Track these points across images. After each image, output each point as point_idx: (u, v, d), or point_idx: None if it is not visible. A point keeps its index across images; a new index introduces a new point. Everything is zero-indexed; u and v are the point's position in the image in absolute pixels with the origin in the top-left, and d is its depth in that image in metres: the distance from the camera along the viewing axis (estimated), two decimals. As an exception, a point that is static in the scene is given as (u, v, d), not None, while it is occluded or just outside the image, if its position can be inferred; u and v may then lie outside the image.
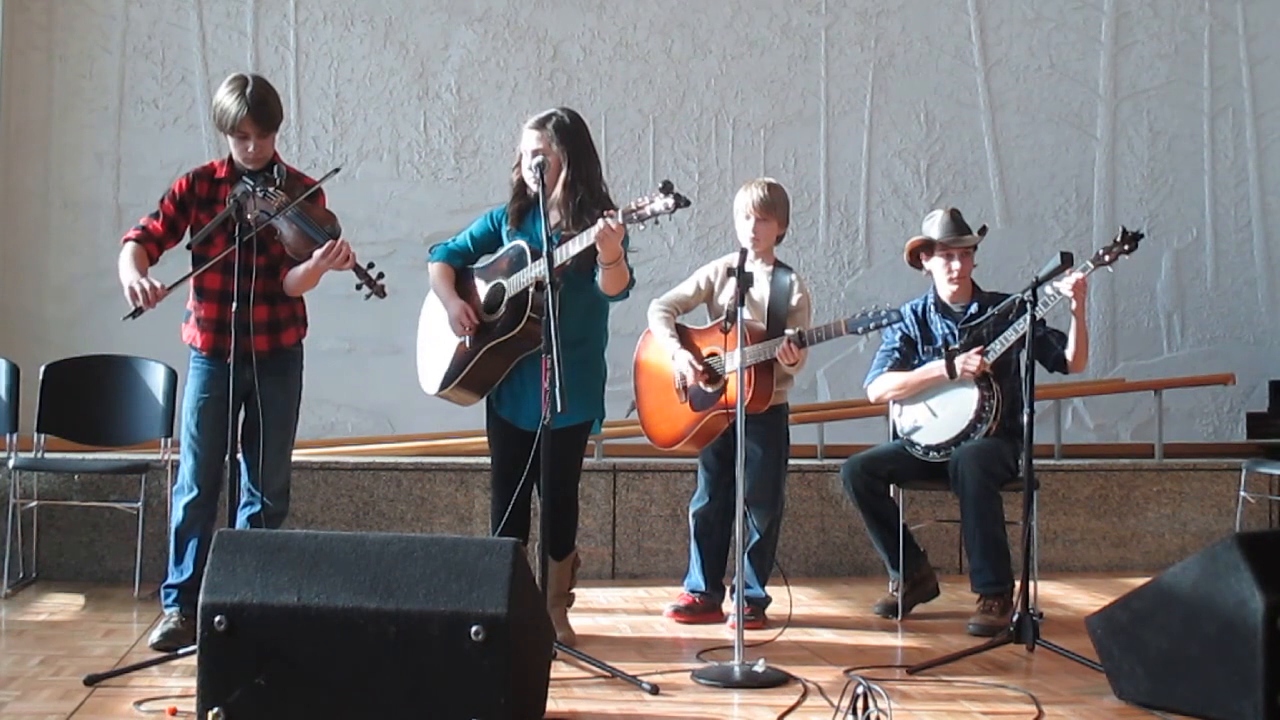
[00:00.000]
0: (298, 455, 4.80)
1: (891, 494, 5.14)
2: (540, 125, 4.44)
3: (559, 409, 3.93)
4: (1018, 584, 4.47)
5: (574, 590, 4.69)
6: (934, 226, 5.14)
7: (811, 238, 7.21)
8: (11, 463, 5.41)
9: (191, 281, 4.39)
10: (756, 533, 4.88)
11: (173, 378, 5.46)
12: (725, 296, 4.88)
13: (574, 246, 4.23)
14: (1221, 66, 7.52)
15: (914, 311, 5.18)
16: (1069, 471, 6.42)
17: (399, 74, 6.98)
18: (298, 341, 4.53)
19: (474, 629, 3.14)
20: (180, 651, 3.94)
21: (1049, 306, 4.70)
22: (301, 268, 4.29)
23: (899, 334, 5.19)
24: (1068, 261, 4.37)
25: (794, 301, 4.88)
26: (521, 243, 4.45)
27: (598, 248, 4.19)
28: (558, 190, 4.41)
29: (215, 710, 3.20)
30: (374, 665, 3.18)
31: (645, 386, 5.05)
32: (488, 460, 4.70)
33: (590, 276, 4.34)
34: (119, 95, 6.81)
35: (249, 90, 4.25)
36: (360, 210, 6.70)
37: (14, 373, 5.65)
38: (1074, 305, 4.75)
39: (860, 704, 3.21)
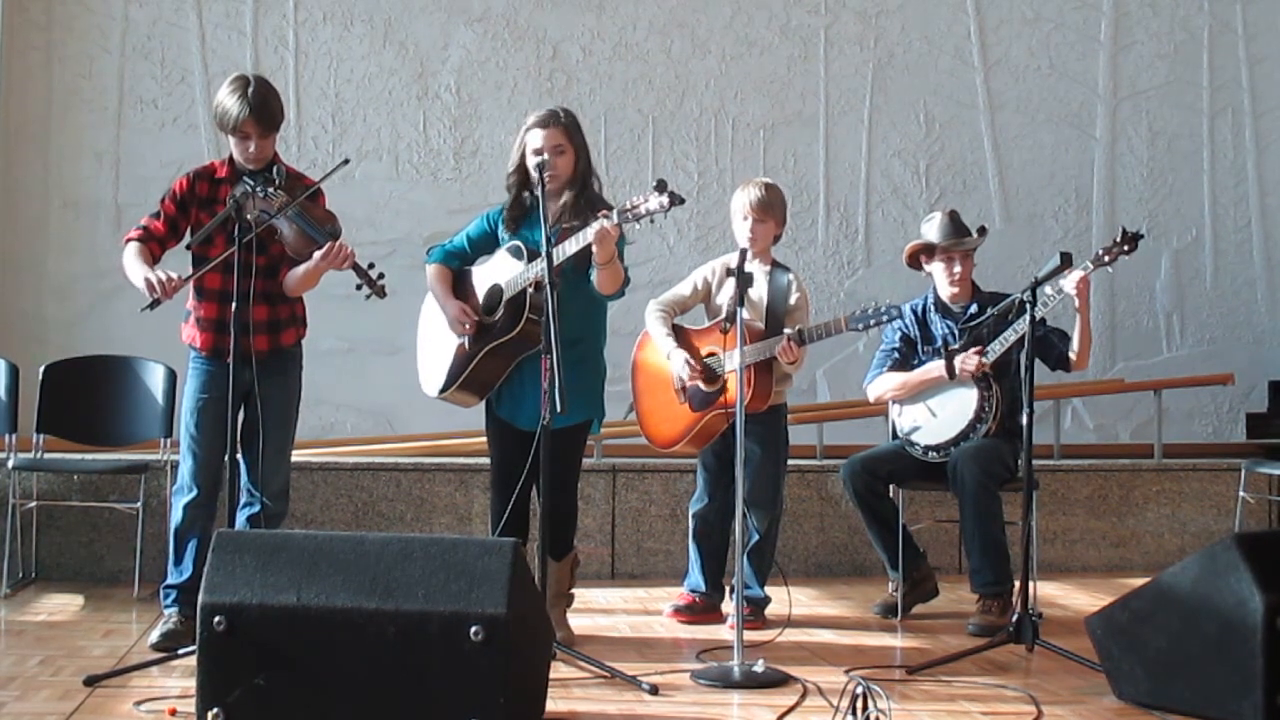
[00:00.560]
0: (297, 455, 4.80)
1: (891, 494, 5.15)
2: (551, 122, 4.43)
3: (558, 409, 3.93)
4: (1017, 584, 4.47)
5: (573, 590, 4.69)
6: (933, 229, 5.14)
7: (811, 238, 7.21)
8: (11, 463, 5.41)
9: (191, 281, 4.39)
10: (756, 533, 4.87)
11: (172, 378, 5.46)
12: (723, 296, 4.88)
13: (571, 246, 4.23)
14: (1221, 66, 7.52)
15: (914, 311, 5.18)
16: (1068, 472, 6.42)
17: (398, 74, 6.98)
18: (297, 341, 4.53)
19: (473, 629, 3.14)
20: (180, 652, 3.94)
21: (1048, 307, 4.70)
22: (302, 268, 4.29)
23: (898, 334, 5.20)
24: (1067, 261, 4.38)
25: (792, 301, 4.88)
26: (518, 243, 4.44)
27: (593, 247, 4.19)
28: (570, 184, 4.41)
29: (215, 710, 3.20)
30: (373, 665, 3.18)
31: (644, 387, 5.05)
32: (487, 460, 4.70)
33: (587, 275, 4.34)
34: (118, 95, 6.80)
35: (251, 91, 4.25)
36: (360, 210, 6.70)
37: (13, 373, 5.65)
38: (1078, 303, 4.75)
39: (860, 704, 3.21)
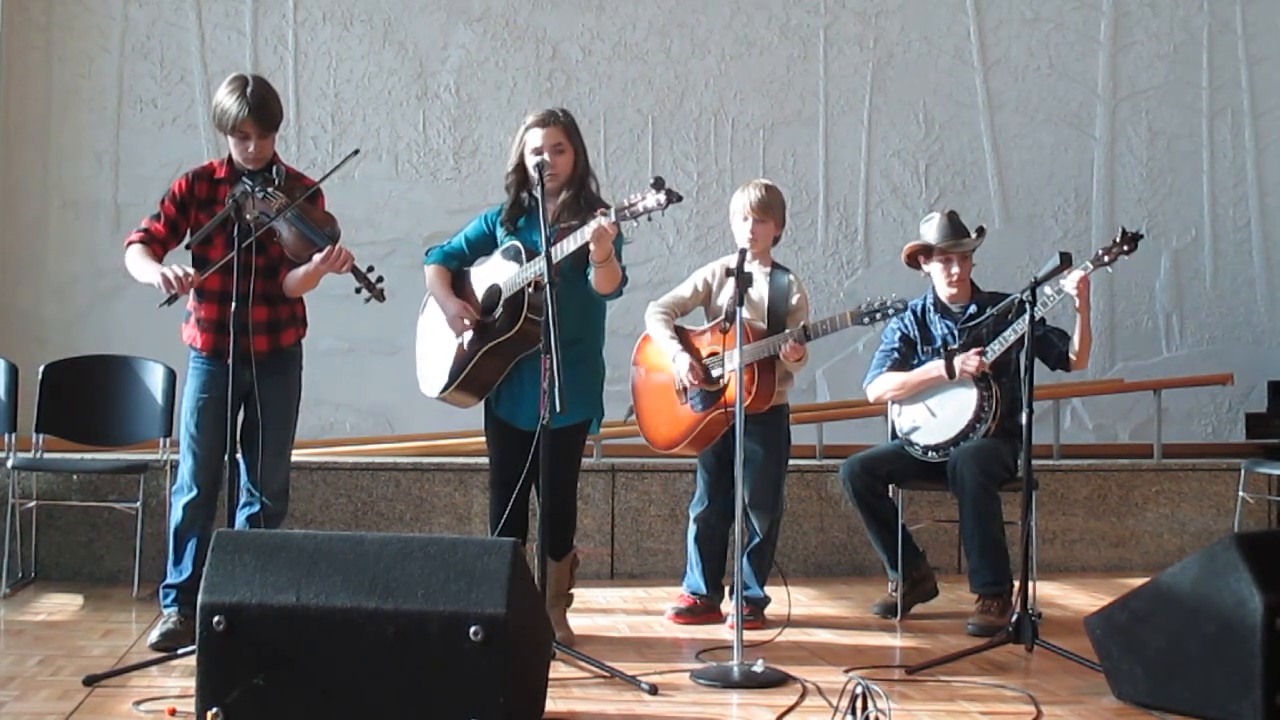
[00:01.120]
0: (297, 455, 4.79)
1: (890, 494, 5.15)
2: (550, 122, 4.43)
3: (558, 409, 3.93)
4: (1016, 584, 4.47)
5: (573, 590, 4.69)
6: (932, 230, 5.13)
7: (810, 238, 7.21)
8: (10, 463, 5.41)
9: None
10: (757, 534, 4.88)
11: (171, 378, 5.46)
12: (724, 297, 4.87)
13: (569, 245, 4.23)
14: (1220, 67, 7.52)
15: (913, 311, 5.18)
16: (1068, 472, 6.42)
17: (398, 74, 6.98)
18: (297, 342, 4.53)
19: (473, 629, 3.14)
20: (179, 651, 3.94)
21: (1048, 307, 4.70)
22: (301, 270, 4.29)
23: (898, 334, 5.20)
24: (1066, 261, 4.38)
25: (793, 301, 4.88)
26: (516, 243, 4.44)
27: (591, 246, 4.19)
28: (568, 184, 4.41)
29: (214, 710, 3.20)
30: (373, 665, 3.18)
31: (644, 389, 5.05)
32: (486, 460, 4.70)
33: (585, 275, 4.34)
34: (118, 95, 6.80)
35: (249, 90, 4.25)
36: (359, 210, 6.70)
37: (13, 372, 5.64)
38: (1079, 303, 4.75)
39: (859, 704, 3.21)
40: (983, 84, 7.36)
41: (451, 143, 7.00)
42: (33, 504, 5.59)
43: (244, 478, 4.35)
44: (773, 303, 4.86)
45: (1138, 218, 7.29)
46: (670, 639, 4.72)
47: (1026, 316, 4.41)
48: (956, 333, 5.08)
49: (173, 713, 3.49)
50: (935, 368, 5.01)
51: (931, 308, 5.17)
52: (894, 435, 5.22)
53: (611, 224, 4.15)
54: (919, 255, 5.19)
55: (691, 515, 5.06)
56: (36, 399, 5.55)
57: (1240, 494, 6.12)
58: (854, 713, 3.22)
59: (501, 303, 4.43)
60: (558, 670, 3.88)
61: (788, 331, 4.72)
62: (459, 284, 4.61)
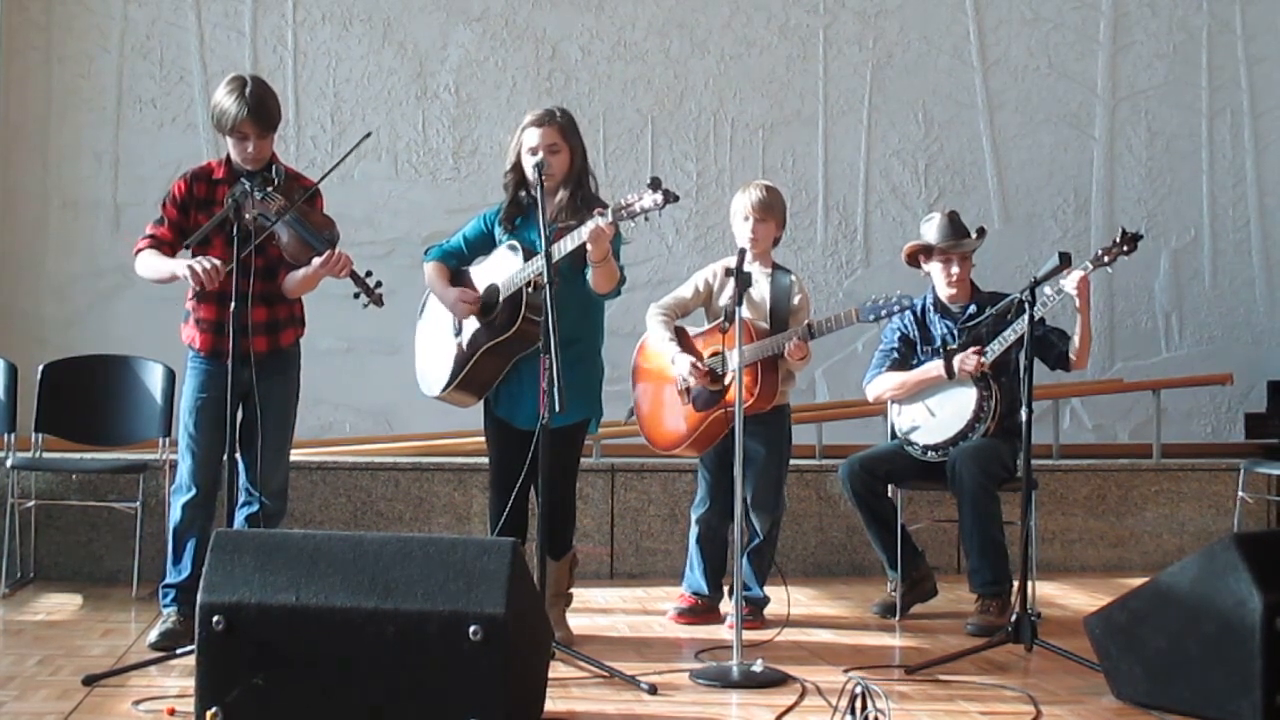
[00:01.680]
0: (296, 455, 4.80)
1: (890, 494, 5.14)
2: (546, 121, 4.43)
3: (558, 409, 3.93)
4: (1016, 584, 4.47)
5: (572, 590, 4.69)
6: (932, 230, 5.13)
7: (810, 238, 7.21)
8: (10, 462, 5.41)
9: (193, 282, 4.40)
10: (758, 535, 4.88)
11: (171, 377, 5.45)
12: (725, 298, 4.86)
13: (566, 244, 4.23)
14: (1220, 67, 7.52)
15: (913, 311, 5.17)
16: (1067, 471, 6.42)
17: (397, 74, 6.98)
18: (295, 342, 4.53)
19: (472, 629, 3.14)
20: (178, 651, 3.94)
21: (1047, 307, 4.70)
22: (300, 273, 4.29)
23: (897, 334, 5.20)
24: (1066, 261, 4.38)
25: (795, 301, 4.88)
26: (515, 243, 4.44)
27: (588, 246, 4.19)
28: (565, 183, 4.41)
29: (213, 710, 3.19)
30: (372, 665, 3.18)
31: (645, 390, 5.04)
32: (486, 460, 4.70)
33: (583, 274, 4.34)
34: (117, 95, 6.80)
35: (248, 90, 4.25)
36: (358, 210, 6.70)
37: (12, 372, 5.64)
38: (1079, 303, 4.75)
39: (858, 704, 3.21)
40: (982, 84, 7.36)
41: (451, 142, 7.00)
42: (32, 504, 5.59)
43: (243, 477, 4.35)
44: (775, 303, 4.86)
45: (1137, 218, 7.29)
46: (670, 639, 4.72)
47: (1026, 316, 4.41)
48: (956, 333, 5.08)
49: (172, 712, 3.49)
50: (935, 367, 5.01)
51: (931, 308, 5.17)
52: (893, 435, 5.22)
53: (609, 224, 4.15)
54: (919, 255, 5.19)
55: (693, 517, 5.06)
56: (36, 399, 5.55)
57: (1239, 494, 6.12)
58: (853, 712, 3.22)
59: (500, 302, 4.43)
60: (557, 670, 3.88)
61: (791, 330, 4.72)
62: (458, 283, 4.60)
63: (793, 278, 4.94)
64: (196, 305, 4.41)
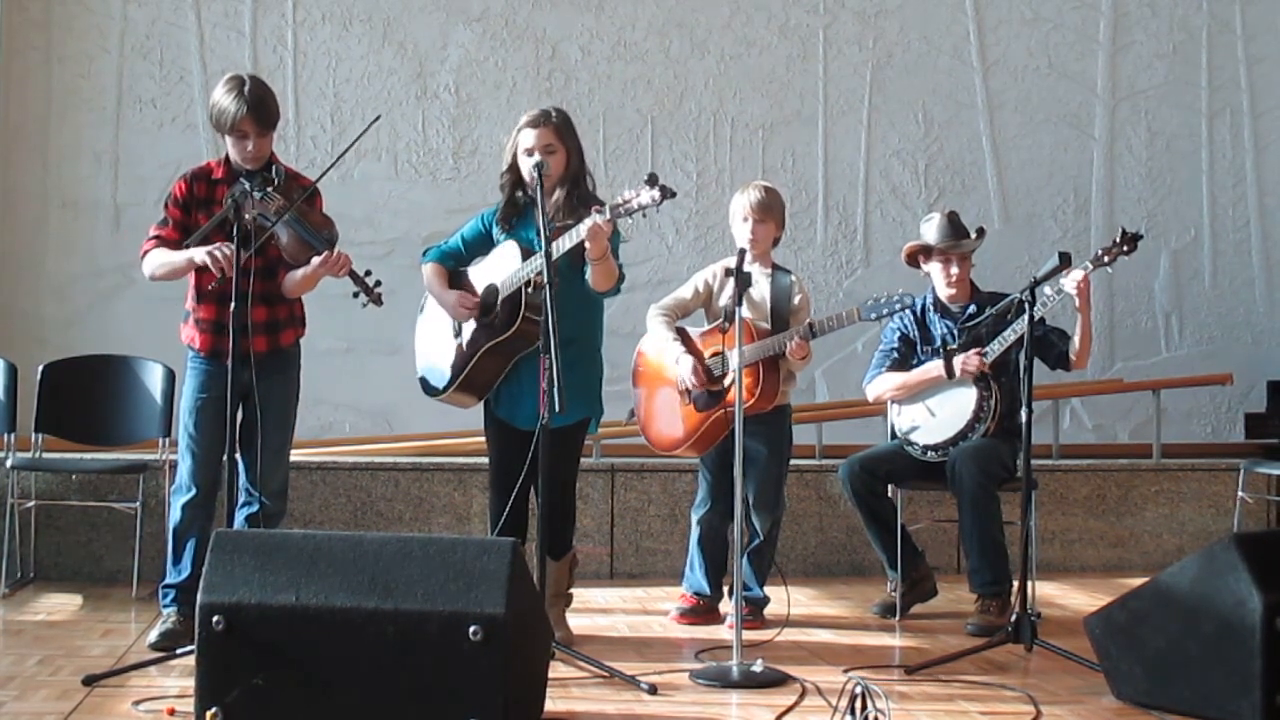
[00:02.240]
0: (296, 455, 4.80)
1: (890, 494, 5.14)
2: (541, 122, 4.43)
3: (558, 409, 3.93)
4: (1016, 584, 4.47)
5: (572, 590, 4.69)
6: (932, 230, 5.13)
7: (809, 238, 7.21)
8: (10, 462, 5.41)
9: (190, 281, 4.40)
10: (758, 535, 4.88)
11: (171, 377, 5.45)
12: (725, 299, 4.86)
13: (564, 243, 4.22)
14: (1220, 67, 7.51)
15: (913, 311, 5.17)
16: (1067, 471, 6.42)
17: (397, 74, 6.98)
18: (296, 341, 4.53)
19: (472, 629, 3.14)
20: (178, 651, 3.94)
21: (1048, 306, 4.70)
22: (300, 273, 4.30)
23: (897, 334, 5.20)
24: (1066, 261, 4.38)
25: (795, 301, 4.88)
26: (514, 243, 4.44)
27: (586, 244, 4.19)
28: (561, 183, 4.40)
29: (213, 710, 3.19)
30: (372, 665, 3.18)
31: (646, 391, 5.04)
32: (486, 460, 4.70)
33: (582, 273, 4.34)
34: (117, 95, 6.80)
35: (247, 89, 4.25)
36: (358, 210, 6.70)
37: (12, 372, 5.64)
38: (1079, 303, 4.75)
39: (858, 704, 3.21)
40: (982, 84, 7.36)
41: (451, 143, 7.00)
42: (32, 504, 5.59)
43: (243, 478, 4.35)
44: (775, 303, 4.86)
45: (1137, 218, 7.29)
46: (669, 639, 4.72)
47: (1026, 316, 4.41)
48: (956, 333, 5.08)
49: (172, 712, 3.49)
50: (935, 367, 5.02)
51: (931, 308, 5.17)
52: (893, 435, 5.22)
53: (606, 221, 4.14)
54: (919, 255, 5.19)
55: (694, 517, 5.05)
56: (36, 399, 5.55)
57: (1239, 494, 6.12)
58: (853, 712, 3.22)
59: (500, 302, 4.43)
60: (557, 670, 3.88)
61: (792, 329, 4.72)
62: (456, 284, 4.60)
63: (793, 278, 4.94)
64: (196, 305, 4.41)
